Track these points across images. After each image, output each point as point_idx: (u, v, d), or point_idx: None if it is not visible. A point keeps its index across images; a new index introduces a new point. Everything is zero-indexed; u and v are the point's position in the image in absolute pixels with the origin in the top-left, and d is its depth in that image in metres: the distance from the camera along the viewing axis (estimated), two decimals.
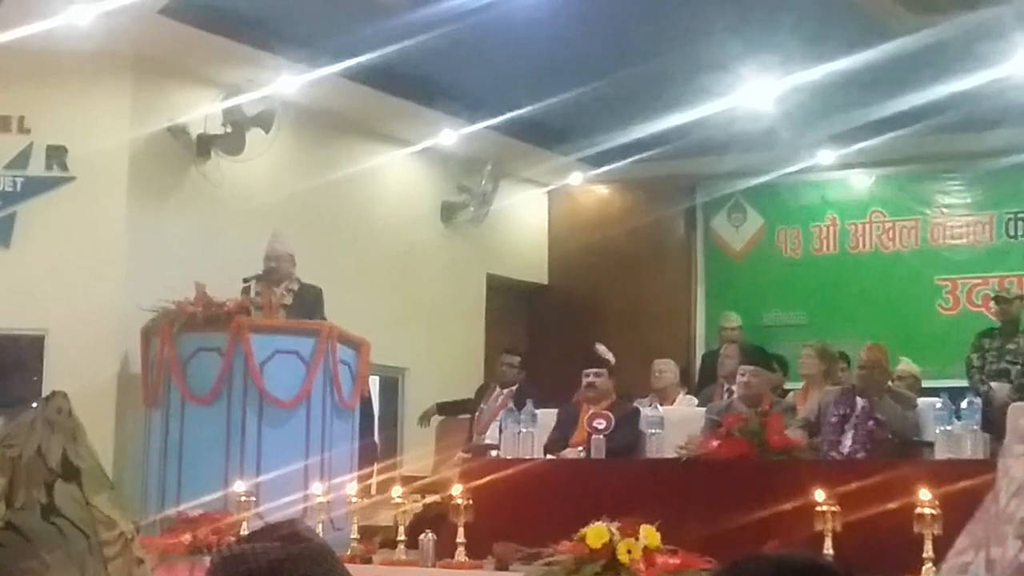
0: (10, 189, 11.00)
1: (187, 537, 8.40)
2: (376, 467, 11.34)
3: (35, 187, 11.01)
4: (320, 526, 8.41)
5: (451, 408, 12.23)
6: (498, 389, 11.68)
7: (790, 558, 1.70)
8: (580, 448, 9.09)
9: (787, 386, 10.88)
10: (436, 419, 12.57)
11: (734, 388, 10.01)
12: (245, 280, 10.62)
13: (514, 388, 11.40)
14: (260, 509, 9.05)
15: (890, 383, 9.50)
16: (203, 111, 11.33)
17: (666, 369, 11.40)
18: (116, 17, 9.95)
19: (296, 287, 10.71)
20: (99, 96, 11.10)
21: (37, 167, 11.01)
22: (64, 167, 11.00)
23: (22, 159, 11.01)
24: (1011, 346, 11.14)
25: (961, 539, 1.60)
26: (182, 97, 11.35)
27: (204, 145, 11.42)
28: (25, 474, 1.94)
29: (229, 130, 11.37)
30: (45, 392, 9.47)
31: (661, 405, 10.16)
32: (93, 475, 2.00)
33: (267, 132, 11.51)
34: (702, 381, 12.74)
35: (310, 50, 11.02)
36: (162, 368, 10.14)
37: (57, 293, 10.69)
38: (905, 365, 11.53)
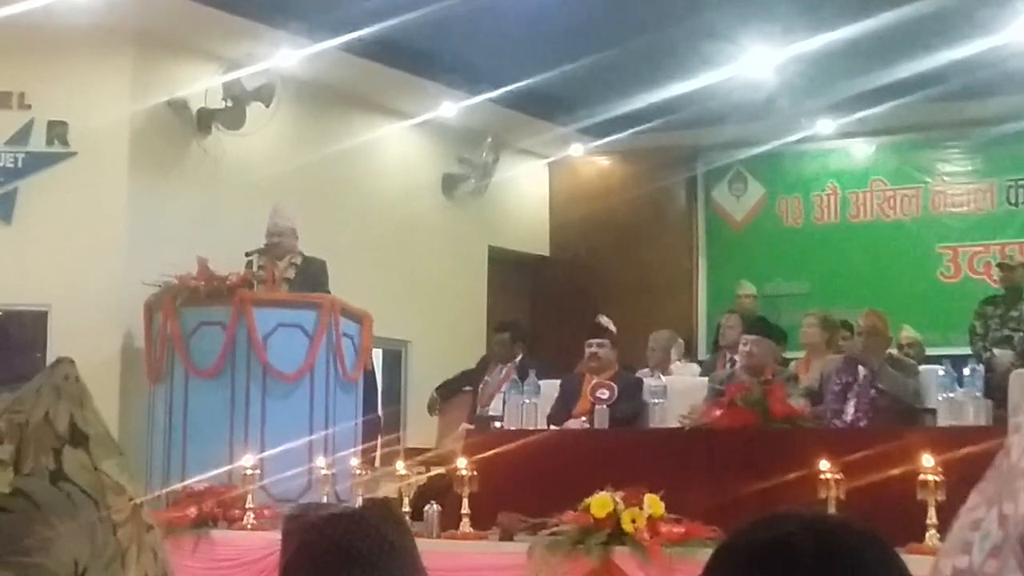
0: (11, 165, 11.01)
1: (192, 511, 8.44)
2: (380, 440, 11.36)
3: (36, 163, 11.02)
4: (325, 498, 8.44)
5: (451, 386, 12.18)
6: (499, 364, 11.69)
7: (814, 516, 1.69)
8: (583, 418, 9.11)
9: (788, 355, 10.88)
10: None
11: (736, 357, 10.04)
12: (248, 254, 10.64)
13: (517, 360, 11.39)
14: (264, 482, 9.08)
15: (891, 352, 9.52)
16: (203, 85, 11.33)
17: (655, 346, 11.36)
18: None
19: (299, 261, 10.72)
20: (99, 71, 11.10)
21: (38, 143, 11.01)
22: (65, 142, 11.01)
23: (23, 135, 11.01)
24: (1014, 313, 11.14)
25: (973, 496, 1.60)
26: (182, 71, 11.35)
27: (205, 119, 11.41)
28: (33, 440, 1.94)
29: (229, 104, 11.37)
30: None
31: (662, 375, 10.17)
32: (101, 441, 2.00)
33: (267, 106, 11.51)
34: (712, 350, 12.74)
35: (310, 23, 11.01)
36: (165, 342, 10.15)
37: (59, 269, 10.70)
38: (908, 332, 11.55)
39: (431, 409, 12.29)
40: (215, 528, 8.48)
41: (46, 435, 1.94)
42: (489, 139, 13.83)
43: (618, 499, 7.13)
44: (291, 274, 10.67)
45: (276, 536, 7.98)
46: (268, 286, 10.49)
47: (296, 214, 10.96)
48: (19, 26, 10.06)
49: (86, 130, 10.94)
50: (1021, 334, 11.03)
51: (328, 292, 10.50)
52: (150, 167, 11.20)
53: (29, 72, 11.01)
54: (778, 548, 1.63)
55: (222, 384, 9.95)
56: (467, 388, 11.85)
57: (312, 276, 10.64)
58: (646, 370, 10.91)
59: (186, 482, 9.11)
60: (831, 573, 1.61)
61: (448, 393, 12.14)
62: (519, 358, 11.43)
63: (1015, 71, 11.74)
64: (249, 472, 8.73)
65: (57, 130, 11.01)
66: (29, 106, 11.03)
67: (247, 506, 8.56)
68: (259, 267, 10.63)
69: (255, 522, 8.51)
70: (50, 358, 9.76)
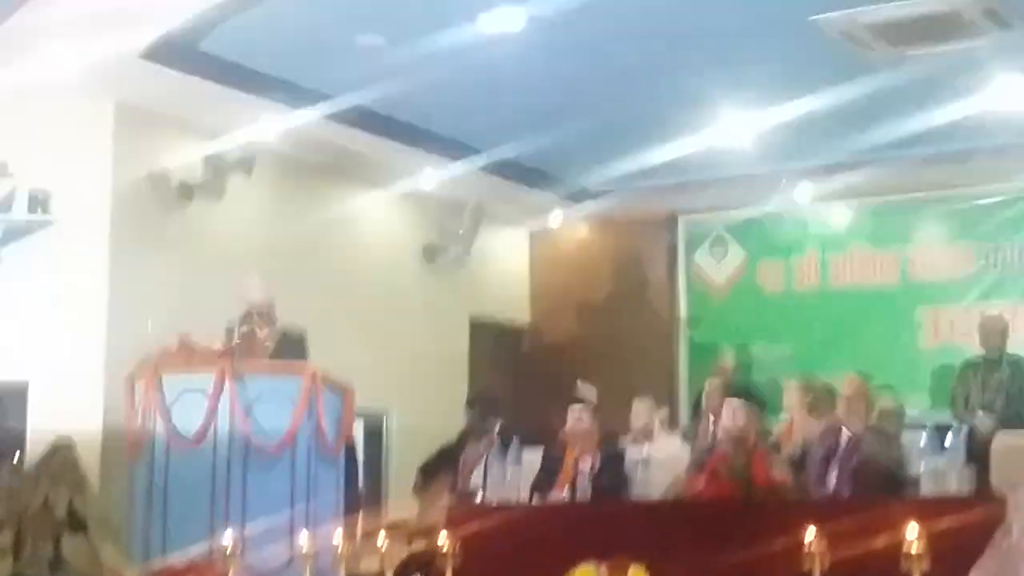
0: None
1: None
2: (361, 513, 11.27)
3: (17, 231, 10.97)
4: (307, 574, 8.36)
5: (434, 465, 12.05)
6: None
7: None
8: (566, 488, 9.07)
9: (770, 420, 10.85)
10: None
11: (719, 422, 10.01)
12: (229, 323, 10.58)
13: (495, 434, 11.35)
14: (246, 558, 8.99)
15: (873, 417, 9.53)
16: (184, 156, 11.32)
17: (638, 413, 11.35)
18: (98, 60, 9.92)
19: (279, 330, 10.66)
20: (81, 140, 11.05)
21: (20, 211, 10.96)
22: (47, 211, 10.96)
23: (5, 203, 10.95)
24: (996, 377, 11.15)
25: (974, 574, 1.60)
26: (163, 141, 11.33)
27: (185, 191, 11.41)
28: (32, 528, 1.94)
29: (210, 176, 11.36)
30: (29, 444, 9.41)
31: (641, 443, 10.15)
32: (100, 525, 1.99)
33: (248, 176, 11.50)
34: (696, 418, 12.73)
35: (290, 93, 11.03)
36: (147, 411, 10.07)
37: (39, 342, 10.65)
38: (884, 402, 11.58)
39: (416, 489, 12.18)
40: None
41: (45, 522, 1.93)
42: (469, 208, 13.84)
43: (603, 571, 7.10)
44: (271, 344, 10.61)
45: None
46: (249, 355, 10.41)
47: (277, 284, 10.92)
48: (1, 95, 10.05)
49: (68, 199, 10.90)
50: (1003, 399, 11.04)
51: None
52: (131, 237, 11.15)
53: (11, 140, 10.98)
54: None
55: (204, 455, 9.85)
56: (448, 467, 11.73)
57: (293, 346, 10.59)
58: (629, 435, 10.90)
59: (167, 559, 9.03)
60: None
61: (433, 471, 12.04)
62: (496, 429, 11.38)
63: (992, 135, 11.81)
64: (230, 548, 8.64)
65: (39, 199, 10.96)
66: (11, 175, 11.00)
67: None
68: (240, 336, 10.56)
69: None
70: (30, 433, 9.74)
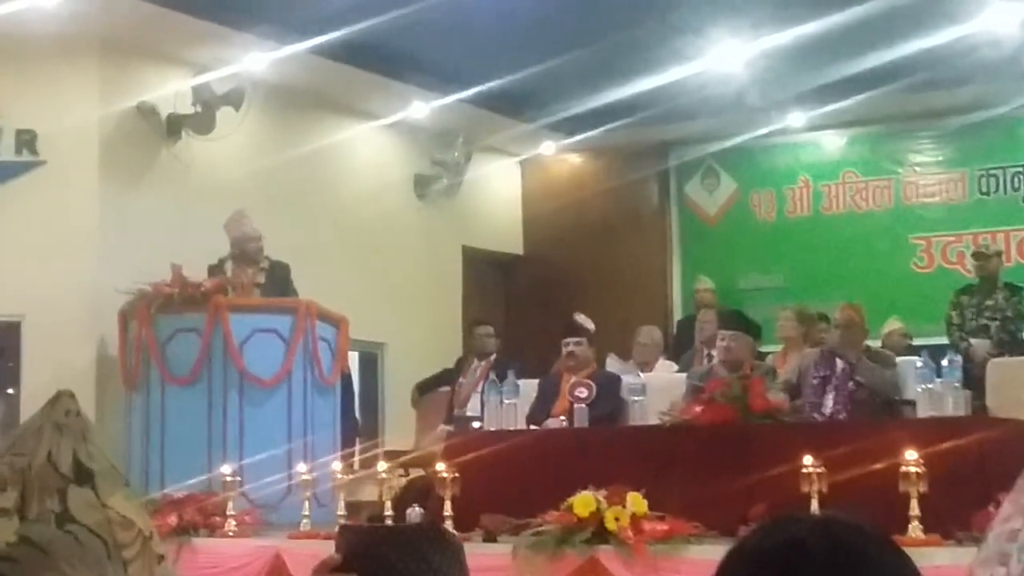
0: None
1: (173, 519, 8.40)
2: (359, 443, 11.34)
3: (5, 172, 10.93)
4: (306, 504, 8.42)
5: (430, 384, 12.21)
6: (476, 361, 11.68)
7: (824, 517, 1.69)
8: (562, 417, 9.09)
9: (764, 349, 10.88)
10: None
11: (714, 353, 10.04)
12: (220, 260, 10.59)
13: (491, 359, 11.40)
14: (244, 488, 9.05)
15: (868, 344, 9.54)
16: (172, 90, 11.26)
17: (648, 343, 11.41)
18: None
19: (267, 265, 10.68)
20: (67, 78, 11.02)
21: (7, 152, 10.93)
22: (34, 151, 10.93)
23: None
24: (989, 302, 11.17)
25: (1006, 506, 1.58)
26: (151, 77, 11.28)
27: (174, 125, 11.36)
28: (37, 483, 1.90)
29: (199, 109, 11.30)
30: (23, 379, 9.44)
31: (641, 371, 10.17)
32: (106, 475, 1.96)
33: (237, 110, 11.45)
34: (678, 346, 12.78)
35: (278, 26, 10.97)
36: (140, 350, 10.09)
37: (32, 278, 10.62)
38: (895, 322, 11.62)
39: (414, 404, 12.28)
40: (196, 536, 8.45)
41: (50, 477, 1.90)
42: (460, 139, 13.80)
43: (601, 498, 7.14)
44: (262, 279, 10.63)
45: (257, 542, 7.98)
46: (240, 292, 10.43)
47: (268, 218, 10.93)
48: None
49: (55, 138, 10.87)
50: (997, 323, 11.06)
51: (295, 295, 10.47)
52: (120, 173, 11.13)
53: None
54: (790, 550, 1.62)
55: (199, 391, 9.90)
56: (444, 388, 11.84)
57: (279, 281, 10.61)
58: (628, 363, 10.93)
59: (166, 490, 9.07)
60: (843, 574, 1.60)
61: (428, 389, 12.15)
62: (493, 356, 11.43)
63: (984, 60, 11.75)
64: (229, 479, 8.69)
65: (25, 138, 10.93)
66: None
67: (228, 513, 8.52)
68: (230, 273, 10.57)
69: (236, 529, 8.48)
70: (24, 368, 9.76)
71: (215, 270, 10.52)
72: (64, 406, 2.01)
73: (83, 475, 1.95)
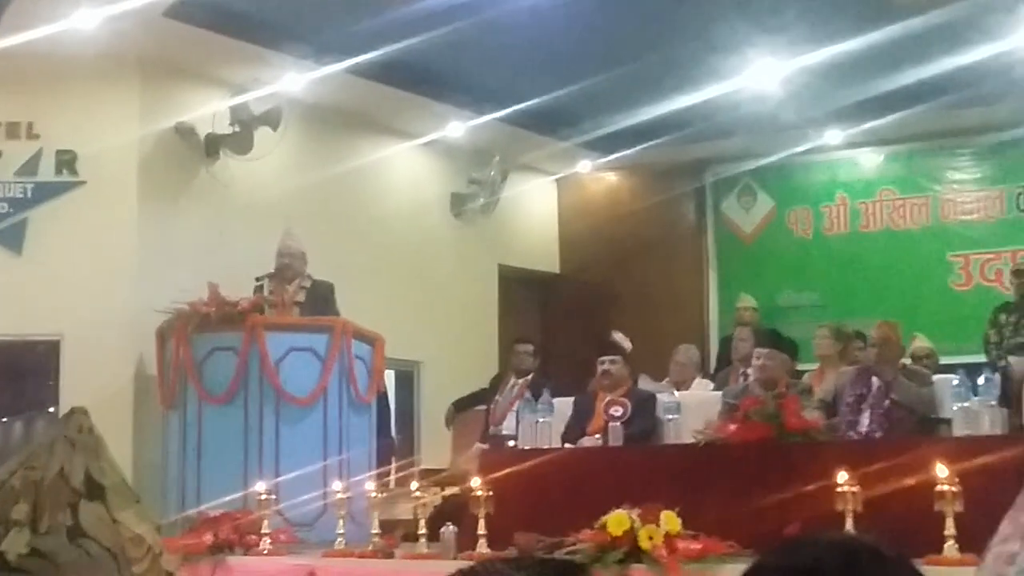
0: (20, 195, 11.03)
1: (208, 537, 8.43)
2: (394, 462, 11.36)
3: (45, 192, 11.04)
4: (340, 522, 8.44)
5: (467, 402, 12.25)
6: (513, 379, 11.67)
7: (842, 539, 1.70)
8: (598, 436, 9.08)
9: (800, 367, 10.86)
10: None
11: (749, 371, 10.01)
12: (257, 279, 10.66)
13: (529, 377, 11.40)
14: (280, 507, 9.08)
15: (905, 362, 9.50)
16: (210, 111, 11.34)
17: (686, 362, 11.40)
18: (121, 20, 9.97)
19: (308, 284, 10.73)
20: (107, 99, 11.12)
21: (47, 172, 11.03)
22: (74, 171, 11.02)
23: (32, 165, 11.03)
24: None
25: (1004, 526, 1.59)
26: (189, 98, 11.37)
27: (212, 145, 11.43)
28: (49, 497, 1.93)
29: (237, 129, 11.37)
30: (62, 398, 9.53)
31: (677, 390, 10.15)
32: (118, 491, 1.99)
33: (274, 130, 11.51)
34: (719, 365, 12.76)
35: (315, 47, 11.04)
36: (178, 369, 10.15)
37: (71, 298, 10.71)
38: (920, 342, 11.53)
39: (448, 422, 12.31)
40: (232, 554, 8.47)
41: (62, 491, 1.93)
42: (497, 158, 13.82)
43: (635, 516, 7.13)
44: (301, 297, 10.69)
45: (292, 561, 8.00)
46: (279, 310, 10.50)
47: (306, 237, 10.97)
48: (26, 56, 10.08)
49: (95, 158, 10.96)
50: None
51: (337, 314, 10.51)
52: (159, 193, 11.21)
53: (37, 102, 11.05)
54: (806, 571, 1.63)
55: (235, 409, 9.95)
56: (480, 407, 11.85)
57: (321, 299, 10.66)
58: (663, 383, 10.91)
59: (202, 508, 9.11)
60: None
61: (464, 407, 12.18)
62: (531, 376, 11.42)
63: (1021, 77, 11.72)
64: (264, 497, 8.73)
65: (66, 159, 11.03)
66: (37, 136, 11.05)
67: (263, 531, 8.55)
68: (269, 291, 10.63)
69: (271, 547, 8.51)
70: (63, 387, 9.85)
71: (258, 289, 10.59)
72: (77, 422, 2.04)
73: (94, 490, 1.98)
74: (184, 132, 11.25)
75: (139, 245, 10.97)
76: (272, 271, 10.71)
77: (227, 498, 9.08)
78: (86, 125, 11.04)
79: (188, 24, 10.43)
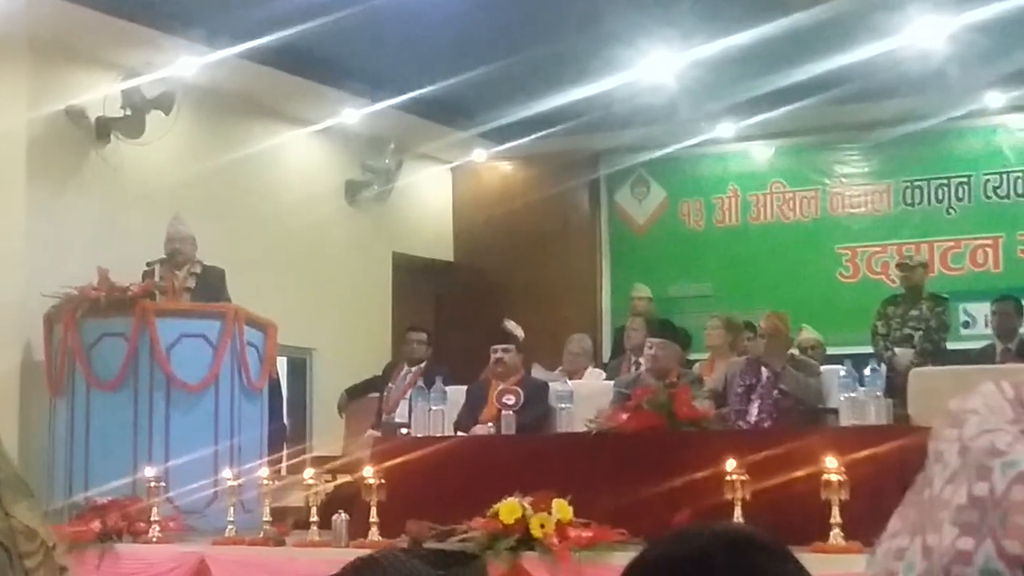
0: None
1: (96, 524, 8.34)
2: (286, 449, 11.31)
3: None
4: (231, 509, 8.39)
5: (360, 390, 12.23)
6: (406, 367, 11.66)
7: (725, 529, 1.73)
8: (490, 424, 9.11)
9: (692, 357, 10.97)
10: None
11: (641, 361, 10.10)
12: (148, 264, 10.54)
13: (422, 365, 11.39)
14: (170, 494, 9.00)
15: (793, 352, 9.64)
16: (101, 94, 11.18)
17: (579, 351, 11.44)
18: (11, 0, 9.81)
19: (199, 270, 10.63)
20: None
21: None
22: None
23: None
24: (914, 312, 11.32)
25: (894, 522, 1.62)
26: (80, 80, 11.19)
27: (103, 128, 11.28)
28: None
29: (129, 113, 11.23)
30: None
31: (570, 379, 10.21)
32: (11, 484, 1.96)
33: (167, 114, 11.38)
34: (613, 355, 12.84)
35: (209, 31, 10.93)
36: (66, 355, 10.02)
37: None
38: (808, 332, 11.69)
39: (341, 409, 12.29)
40: (120, 542, 8.38)
41: None
42: (391, 145, 13.80)
43: (526, 504, 7.17)
44: (191, 283, 10.58)
45: (181, 548, 7.94)
46: (170, 296, 10.39)
47: (198, 222, 10.87)
48: None
49: None
50: (921, 333, 11.21)
51: (229, 300, 10.43)
52: (48, 177, 11.04)
53: None
54: (693, 562, 1.66)
55: (125, 396, 9.84)
56: (373, 394, 11.83)
57: (211, 286, 10.57)
58: (555, 372, 10.96)
59: (89, 494, 9.01)
60: None
61: (356, 395, 12.15)
62: (423, 364, 11.42)
63: (910, 73, 11.91)
64: (153, 484, 8.65)
65: None
66: None
67: (152, 519, 8.47)
68: (160, 277, 10.52)
69: (160, 534, 8.44)
70: None
71: (148, 274, 10.47)
72: None
73: None
74: (74, 115, 11.10)
75: (27, 229, 10.79)
76: (163, 257, 10.60)
77: (115, 484, 8.98)
78: None
79: (80, 5, 10.28)
